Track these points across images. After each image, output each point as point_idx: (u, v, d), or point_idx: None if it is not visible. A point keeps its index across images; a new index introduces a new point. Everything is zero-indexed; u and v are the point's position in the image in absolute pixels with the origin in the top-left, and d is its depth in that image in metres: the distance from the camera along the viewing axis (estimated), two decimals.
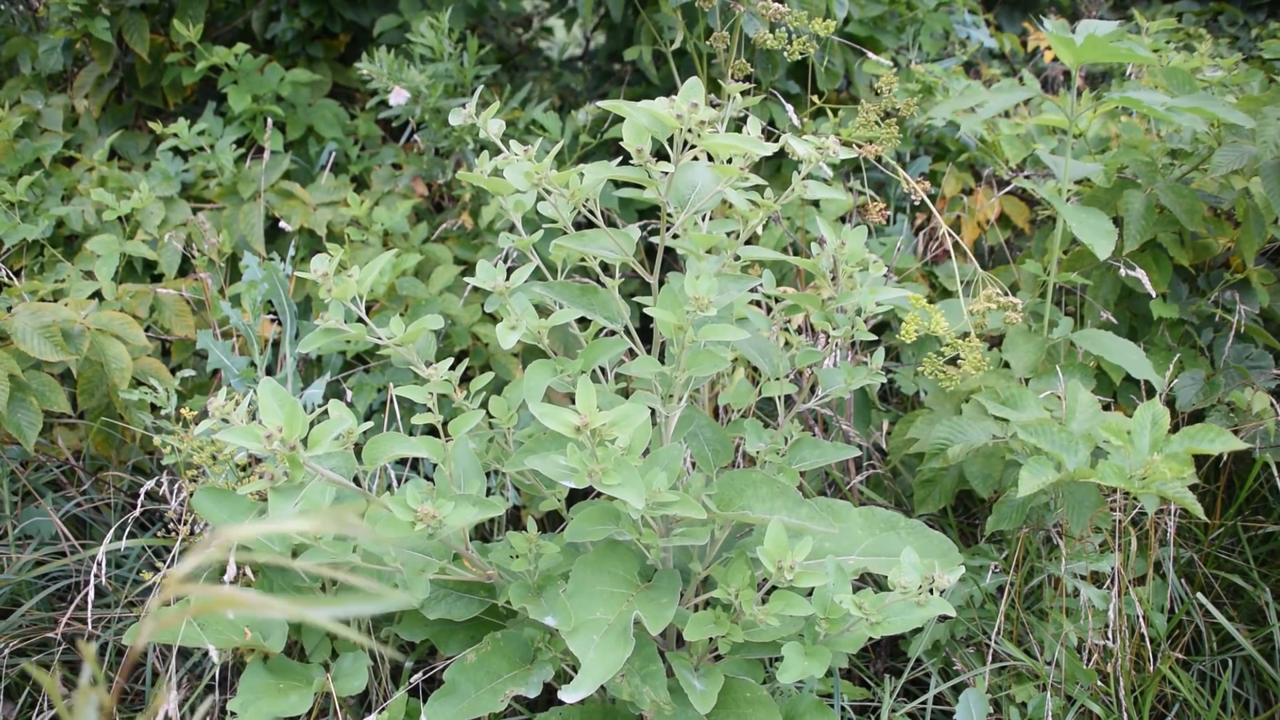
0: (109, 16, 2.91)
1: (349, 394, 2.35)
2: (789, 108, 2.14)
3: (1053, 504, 1.92)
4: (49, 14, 2.99)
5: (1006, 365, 2.10)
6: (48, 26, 3.03)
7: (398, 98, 2.74)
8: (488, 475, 1.66)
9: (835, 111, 2.58)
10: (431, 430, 2.31)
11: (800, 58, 1.74)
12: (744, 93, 1.65)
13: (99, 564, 1.83)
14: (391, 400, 2.24)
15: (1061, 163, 2.12)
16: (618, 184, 2.33)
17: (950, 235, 1.94)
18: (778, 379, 1.71)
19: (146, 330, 2.35)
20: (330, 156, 2.90)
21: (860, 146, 1.88)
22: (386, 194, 2.84)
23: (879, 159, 1.85)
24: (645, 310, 1.45)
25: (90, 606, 1.81)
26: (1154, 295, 2.23)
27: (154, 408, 2.22)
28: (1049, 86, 3.62)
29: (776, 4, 1.80)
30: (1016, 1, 3.87)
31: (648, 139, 1.35)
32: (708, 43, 2.08)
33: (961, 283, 1.93)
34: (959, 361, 1.66)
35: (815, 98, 2.45)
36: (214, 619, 1.73)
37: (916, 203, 1.93)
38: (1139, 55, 1.92)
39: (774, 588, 1.43)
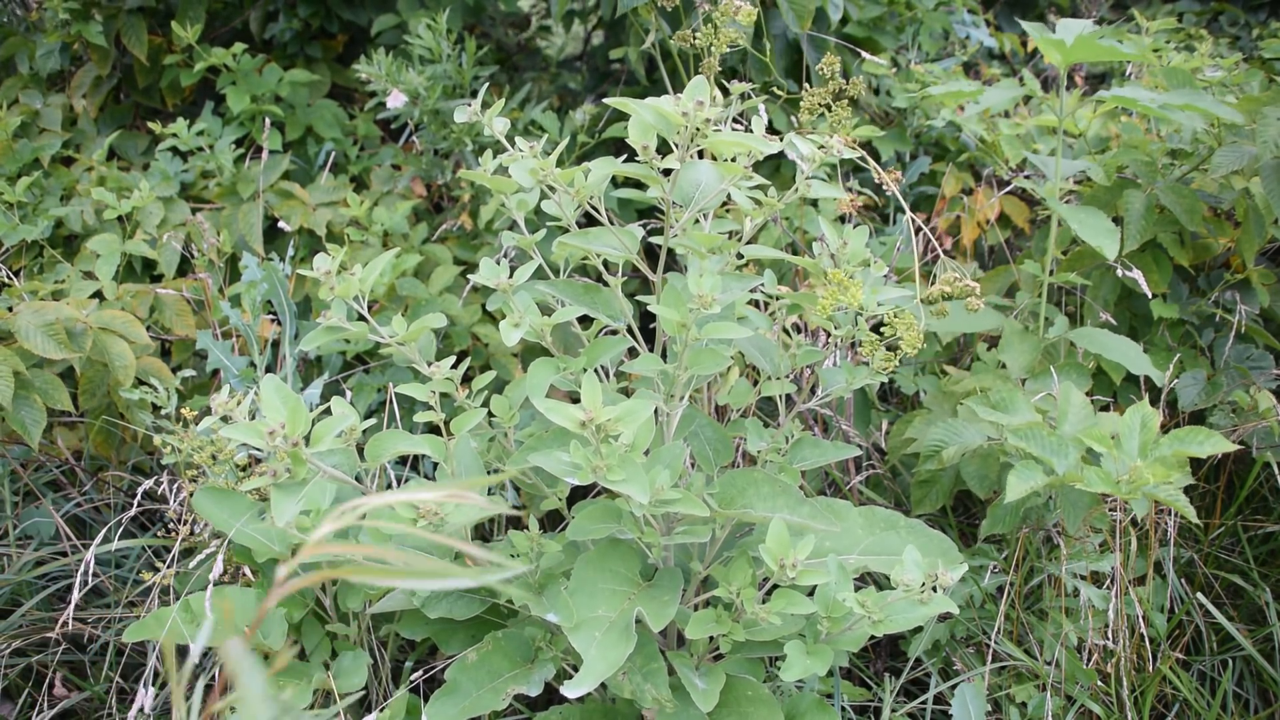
0: (104, 20, 2.91)
1: (349, 394, 2.35)
2: (761, 107, 2.14)
3: (1052, 504, 1.92)
4: (44, 18, 2.99)
5: (1004, 365, 2.10)
6: (44, 27, 3.02)
7: (395, 101, 2.74)
8: (489, 474, 1.66)
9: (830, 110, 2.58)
10: (433, 429, 2.31)
11: (730, 49, 1.71)
12: (743, 95, 1.65)
13: (87, 565, 1.83)
14: (391, 401, 2.24)
15: (1051, 163, 2.12)
16: (616, 184, 2.33)
17: (922, 228, 1.94)
18: (778, 378, 1.71)
19: (147, 330, 2.35)
20: (329, 157, 2.90)
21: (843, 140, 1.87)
22: (386, 194, 2.84)
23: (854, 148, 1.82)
24: (647, 309, 1.45)
25: (74, 607, 1.81)
26: (1152, 296, 2.23)
27: (154, 407, 2.22)
28: (1049, 87, 3.63)
29: (740, 1, 1.79)
30: (1016, 2, 3.88)
31: (653, 136, 1.35)
32: (676, 41, 2.07)
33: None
34: (899, 343, 1.57)
35: (829, 90, 2.45)
36: (212, 619, 1.72)
37: (899, 193, 1.93)
38: (1120, 53, 1.93)
39: (775, 586, 1.43)
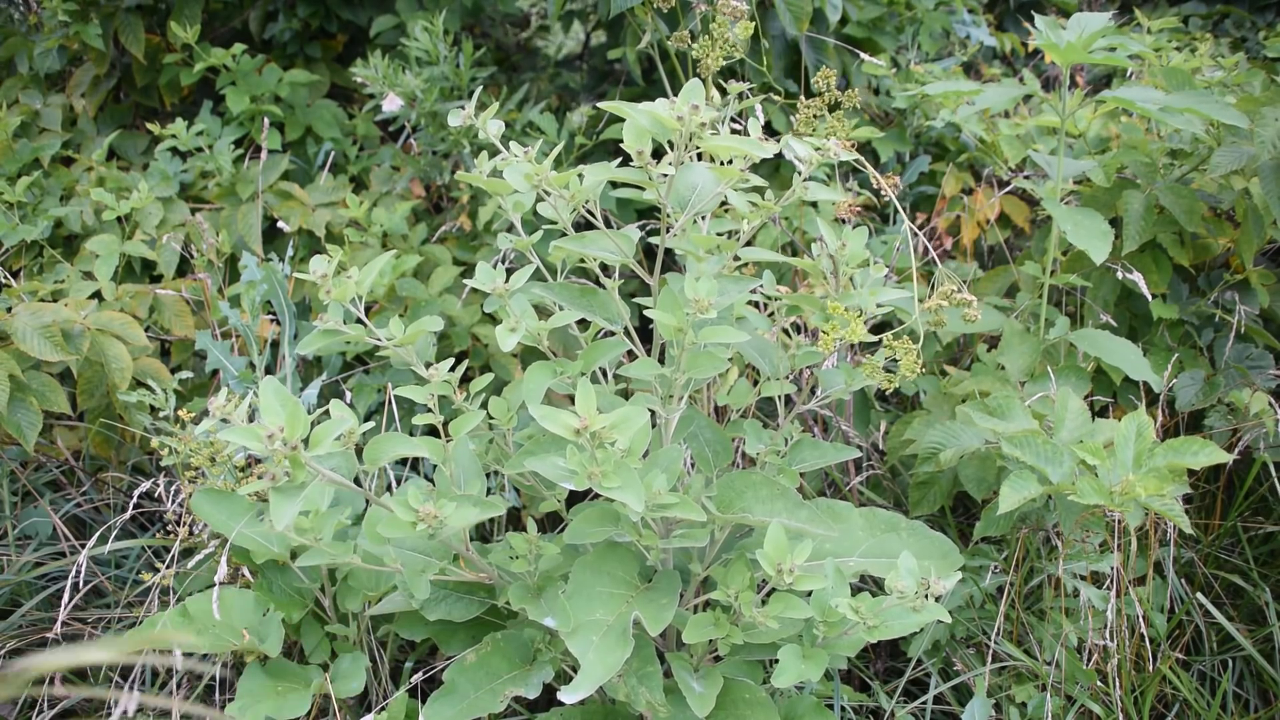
0: (101, 19, 2.91)
1: (348, 395, 2.35)
2: (758, 109, 2.13)
3: (1051, 504, 1.92)
4: (42, 19, 2.98)
5: (1004, 367, 2.10)
6: (43, 27, 3.02)
7: (391, 104, 2.74)
8: (488, 476, 1.66)
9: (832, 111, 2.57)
10: (432, 431, 2.31)
11: (726, 62, 1.72)
12: (740, 94, 1.64)
13: (79, 567, 1.83)
14: (390, 401, 2.24)
15: (1054, 162, 2.12)
16: (615, 184, 2.33)
17: (913, 230, 1.92)
18: (777, 379, 1.71)
19: (146, 330, 2.35)
20: (329, 157, 2.90)
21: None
22: (385, 195, 2.84)
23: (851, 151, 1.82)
24: (645, 311, 1.44)
25: (73, 607, 1.81)
26: (1152, 296, 2.23)
27: (153, 409, 2.22)
28: (1050, 86, 3.62)
29: (736, 2, 1.79)
30: (1020, 6, 3.87)
31: (648, 141, 1.35)
32: (674, 42, 2.07)
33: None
34: (897, 363, 1.60)
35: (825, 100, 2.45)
36: (210, 621, 1.72)
37: (895, 198, 1.92)
38: (1120, 59, 1.92)
39: (774, 589, 1.43)
